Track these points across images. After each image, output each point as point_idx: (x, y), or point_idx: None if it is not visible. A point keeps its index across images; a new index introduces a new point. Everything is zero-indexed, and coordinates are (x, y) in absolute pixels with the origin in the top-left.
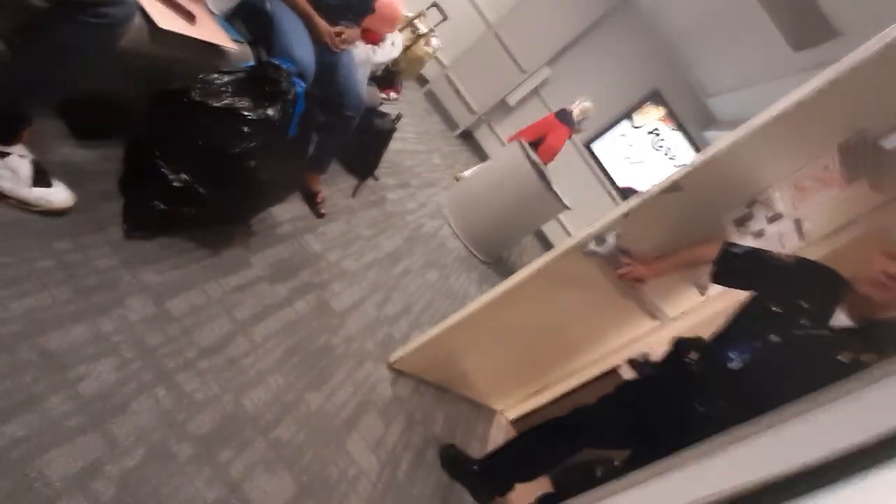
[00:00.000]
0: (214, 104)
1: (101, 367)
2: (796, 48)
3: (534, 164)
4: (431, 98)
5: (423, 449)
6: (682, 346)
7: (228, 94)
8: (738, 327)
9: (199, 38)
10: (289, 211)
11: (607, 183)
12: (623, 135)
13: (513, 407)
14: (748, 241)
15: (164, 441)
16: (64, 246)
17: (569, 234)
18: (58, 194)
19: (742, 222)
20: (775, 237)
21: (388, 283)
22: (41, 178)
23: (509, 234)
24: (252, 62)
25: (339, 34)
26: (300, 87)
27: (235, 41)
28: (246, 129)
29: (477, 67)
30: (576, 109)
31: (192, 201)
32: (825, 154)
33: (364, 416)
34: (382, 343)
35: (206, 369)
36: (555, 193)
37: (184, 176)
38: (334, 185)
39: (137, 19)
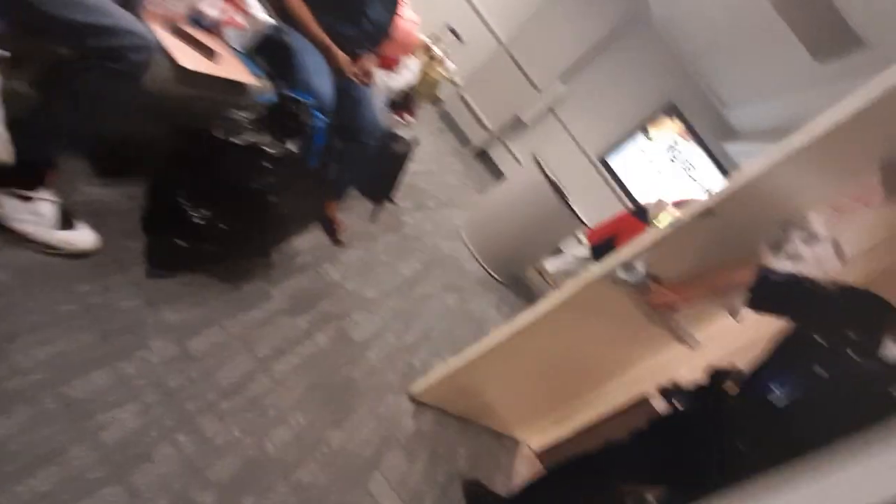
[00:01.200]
0: (236, 142)
1: (123, 414)
2: (819, 59)
3: (550, 181)
4: (445, 117)
5: (447, 486)
6: (718, 377)
7: (250, 131)
8: (779, 358)
9: (221, 75)
10: (307, 240)
11: (625, 198)
12: (639, 149)
13: (538, 437)
14: (784, 265)
15: (186, 490)
16: (87, 288)
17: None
18: (81, 236)
19: (777, 245)
20: (812, 260)
21: (407, 310)
22: (65, 220)
23: (527, 253)
24: (273, 96)
25: (358, 64)
26: (320, 119)
27: (256, 75)
28: (267, 164)
29: (490, 86)
30: (653, 207)
31: (213, 237)
32: (865, 173)
33: (387, 453)
34: (403, 373)
35: (227, 411)
36: (572, 210)
37: (205, 212)
38: (352, 211)
39: (160, 59)
